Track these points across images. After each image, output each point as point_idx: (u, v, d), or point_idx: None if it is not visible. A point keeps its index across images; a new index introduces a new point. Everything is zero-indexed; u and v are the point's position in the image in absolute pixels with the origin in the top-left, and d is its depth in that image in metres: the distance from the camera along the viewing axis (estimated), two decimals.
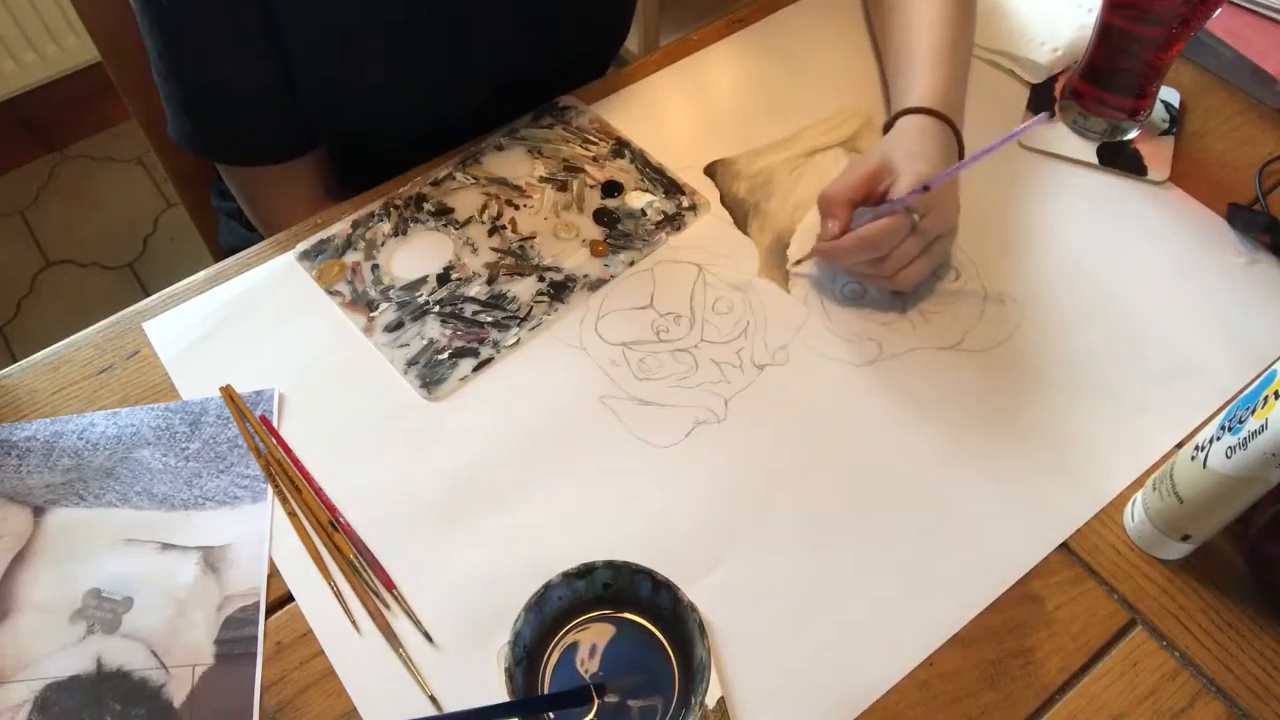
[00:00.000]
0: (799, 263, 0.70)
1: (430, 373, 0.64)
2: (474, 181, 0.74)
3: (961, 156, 0.70)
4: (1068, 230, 0.72)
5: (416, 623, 0.54)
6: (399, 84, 0.76)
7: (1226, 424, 0.49)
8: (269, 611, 0.55)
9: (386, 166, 0.76)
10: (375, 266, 0.70)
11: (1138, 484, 0.59)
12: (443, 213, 0.72)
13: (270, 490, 0.59)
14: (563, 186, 0.74)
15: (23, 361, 0.66)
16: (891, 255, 0.63)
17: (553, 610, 0.49)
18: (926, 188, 0.61)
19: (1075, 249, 0.71)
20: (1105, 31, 0.72)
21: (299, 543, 0.57)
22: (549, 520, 0.58)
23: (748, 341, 0.66)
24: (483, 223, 0.72)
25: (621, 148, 0.76)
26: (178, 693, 0.52)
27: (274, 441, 0.61)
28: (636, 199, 0.73)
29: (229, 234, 0.96)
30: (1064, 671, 0.53)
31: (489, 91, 0.79)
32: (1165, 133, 0.77)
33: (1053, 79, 0.81)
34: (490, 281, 0.69)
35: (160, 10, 0.66)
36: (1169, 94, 0.79)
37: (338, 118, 0.78)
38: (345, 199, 0.75)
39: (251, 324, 0.67)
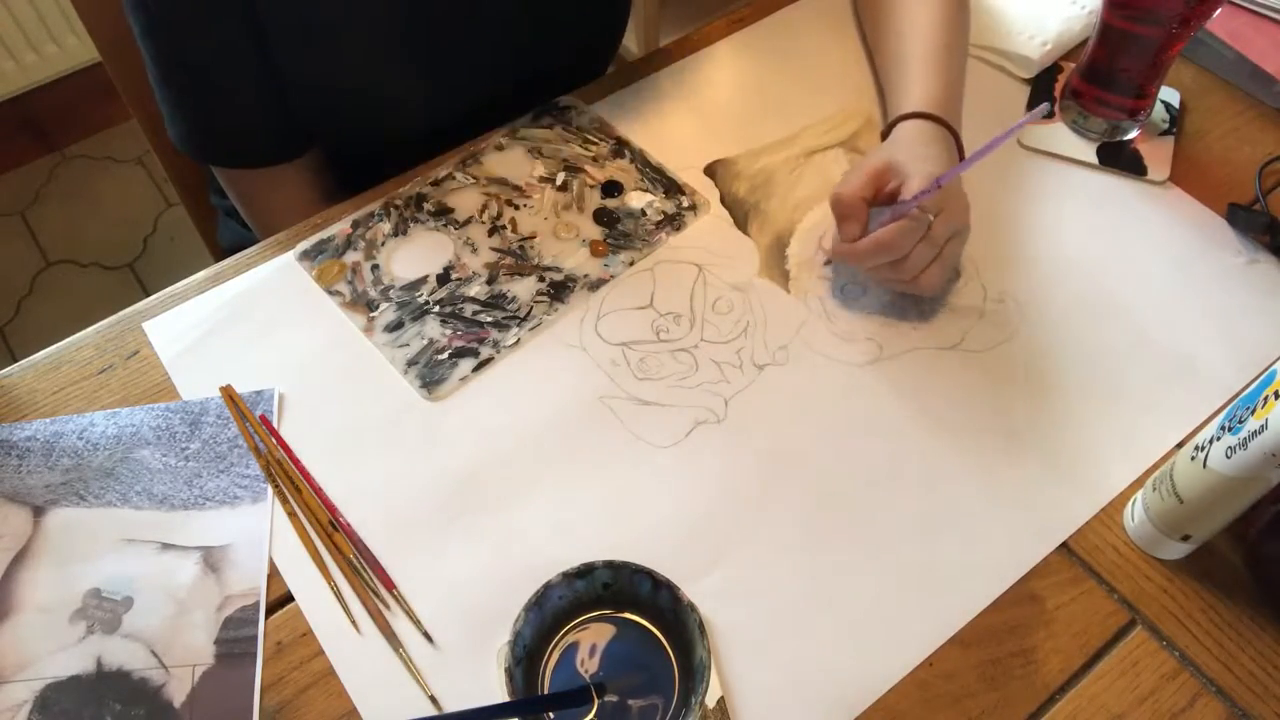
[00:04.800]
0: (827, 264, 0.70)
1: (430, 373, 0.64)
2: (474, 181, 0.74)
3: (962, 159, 0.70)
4: (1068, 230, 0.72)
5: (416, 623, 0.54)
6: (392, 84, 0.76)
7: (1226, 424, 0.49)
8: (269, 611, 0.55)
9: (387, 168, 0.76)
10: (375, 266, 0.70)
11: (1138, 484, 0.59)
12: (443, 213, 0.72)
13: (270, 490, 0.59)
14: (563, 186, 0.74)
15: (23, 361, 0.66)
16: (909, 258, 0.63)
17: (553, 610, 0.49)
18: (939, 185, 0.61)
19: (1075, 249, 0.71)
20: (1105, 31, 0.72)
21: (299, 543, 0.57)
22: (549, 520, 0.58)
23: (748, 341, 0.66)
24: (483, 223, 0.72)
25: (621, 148, 0.76)
26: (178, 693, 0.52)
27: (274, 441, 0.61)
28: (636, 199, 0.73)
29: (228, 232, 0.96)
30: (1064, 671, 0.53)
31: (488, 91, 0.79)
32: (1165, 133, 0.77)
33: (1053, 78, 0.81)
34: (490, 281, 0.69)
35: (150, 16, 0.67)
36: (1169, 94, 0.79)
37: (332, 119, 0.78)
38: (344, 200, 0.75)
39: (251, 324, 0.67)
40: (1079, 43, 0.83)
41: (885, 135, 0.70)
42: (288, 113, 0.75)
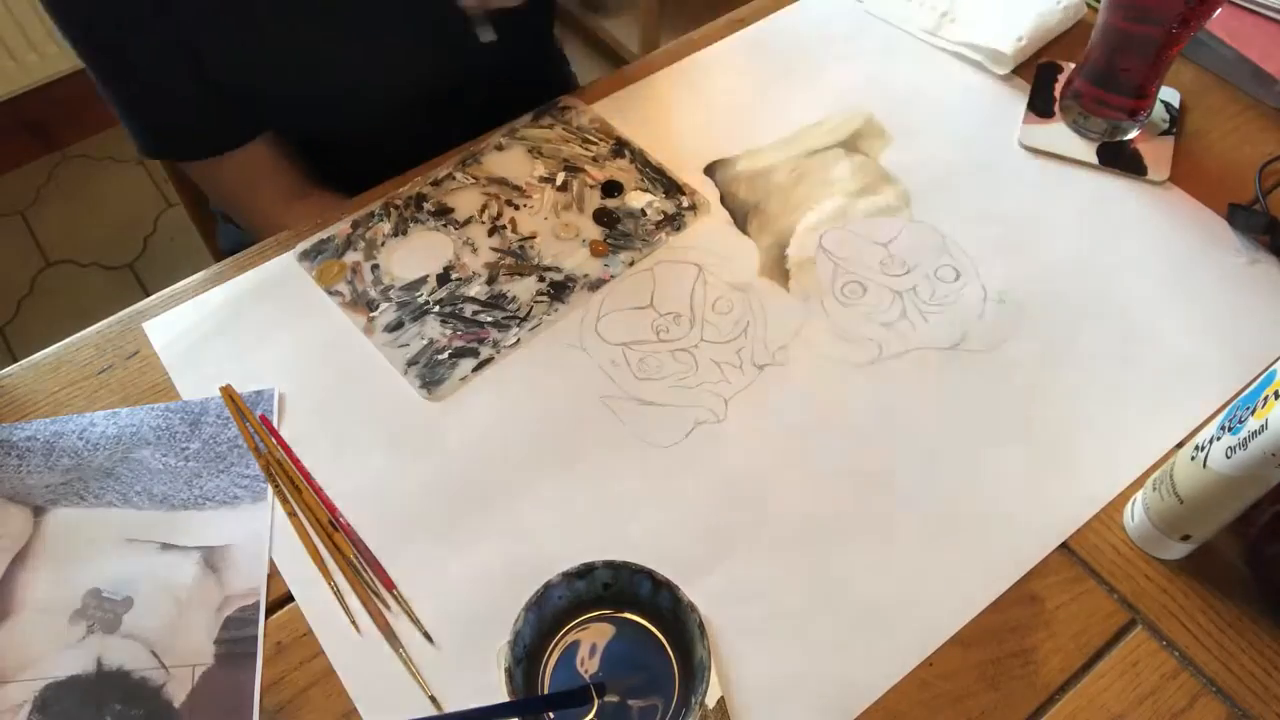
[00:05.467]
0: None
1: (430, 373, 0.64)
2: (474, 181, 0.74)
3: None
4: (1068, 230, 0.72)
5: (416, 623, 0.54)
6: (312, 49, 0.75)
7: (1226, 424, 0.49)
8: (269, 611, 0.55)
9: (362, 157, 0.76)
10: (375, 266, 0.70)
11: (1138, 484, 0.59)
12: (443, 213, 0.72)
13: (270, 490, 0.59)
14: (563, 186, 0.74)
15: (23, 361, 0.66)
16: None
17: (553, 610, 0.49)
18: None
19: (1075, 249, 0.71)
20: (1105, 31, 0.72)
21: (299, 543, 0.57)
22: (549, 520, 0.58)
23: (748, 341, 0.66)
24: (483, 223, 0.72)
25: (621, 148, 0.76)
26: (178, 693, 0.52)
27: (274, 441, 0.61)
28: (636, 199, 0.73)
29: (226, 237, 0.96)
30: (1064, 671, 0.53)
31: (429, 65, 0.79)
32: (1165, 133, 0.77)
33: (1054, 78, 0.81)
34: (490, 281, 0.69)
35: (77, 31, 0.69)
36: (1169, 94, 0.79)
37: (273, 98, 0.78)
38: (328, 189, 0.75)
39: (251, 324, 0.67)
40: (1054, 37, 0.84)
41: None
42: (224, 98, 0.76)
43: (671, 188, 0.74)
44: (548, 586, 0.48)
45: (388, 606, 0.55)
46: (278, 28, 0.72)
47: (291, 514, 0.58)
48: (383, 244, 0.71)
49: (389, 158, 0.76)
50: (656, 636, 0.50)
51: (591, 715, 0.47)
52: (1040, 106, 0.79)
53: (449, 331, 0.66)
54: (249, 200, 0.82)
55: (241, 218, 0.86)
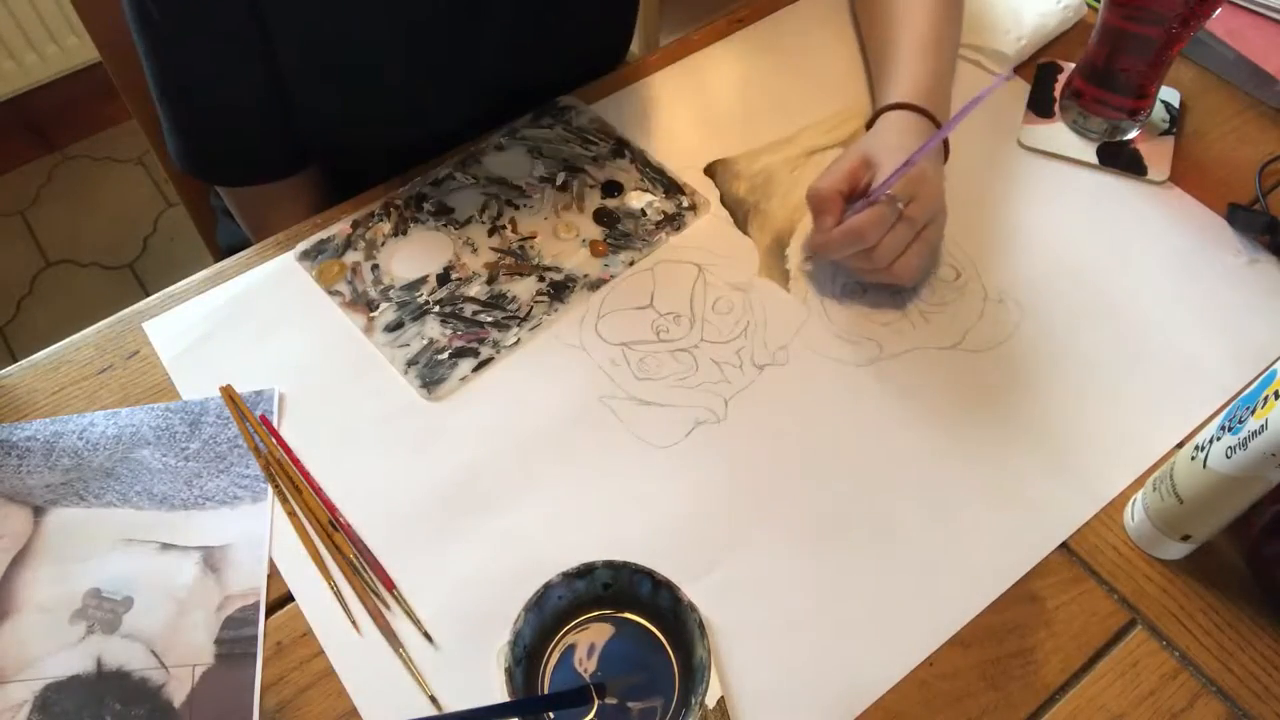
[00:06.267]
0: (808, 260, 0.70)
1: (430, 373, 0.64)
2: (474, 181, 0.74)
3: (946, 154, 0.70)
4: (1068, 230, 0.72)
5: (416, 623, 0.54)
6: (394, 96, 0.76)
7: (1226, 424, 0.49)
8: (269, 611, 0.55)
9: (390, 173, 0.76)
10: (375, 266, 0.70)
11: (1138, 484, 0.59)
12: (443, 213, 0.72)
13: (270, 490, 0.59)
14: (563, 186, 0.74)
15: (23, 361, 0.66)
16: (881, 245, 0.62)
17: (553, 610, 0.49)
18: (909, 164, 0.60)
19: (1075, 249, 0.71)
20: (1105, 31, 0.72)
21: (299, 543, 0.57)
22: (549, 520, 0.58)
23: (748, 341, 0.66)
24: (483, 223, 0.72)
25: (621, 148, 0.76)
26: (178, 693, 0.52)
27: (274, 441, 0.61)
28: (636, 199, 0.73)
29: (226, 233, 0.96)
30: (1064, 671, 0.53)
31: (492, 101, 0.79)
32: (1165, 133, 0.77)
33: (1054, 78, 0.81)
34: (490, 281, 0.69)
35: (157, 34, 0.66)
36: (1169, 94, 0.79)
37: (334, 132, 0.78)
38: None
39: (251, 324, 0.67)
40: (1055, 37, 0.84)
41: (869, 126, 0.70)
42: (288, 128, 0.75)
43: (671, 188, 0.74)
44: (548, 586, 0.48)
45: (388, 606, 0.55)
46: (366, 72, 0.71)
47: (291, 514, 0.58)
48: (383, 244, 0.71)
49: (403, 170, 0.75)
50: (656, 636, 0.50)
51: (591, 715, 0.47)
52: (1040, 106, 0.79)
53: (449, 331, 0.66)
54: (277, 224, 0.81)
55: (261, 237, 0.84)
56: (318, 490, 0.59)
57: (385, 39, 0.71)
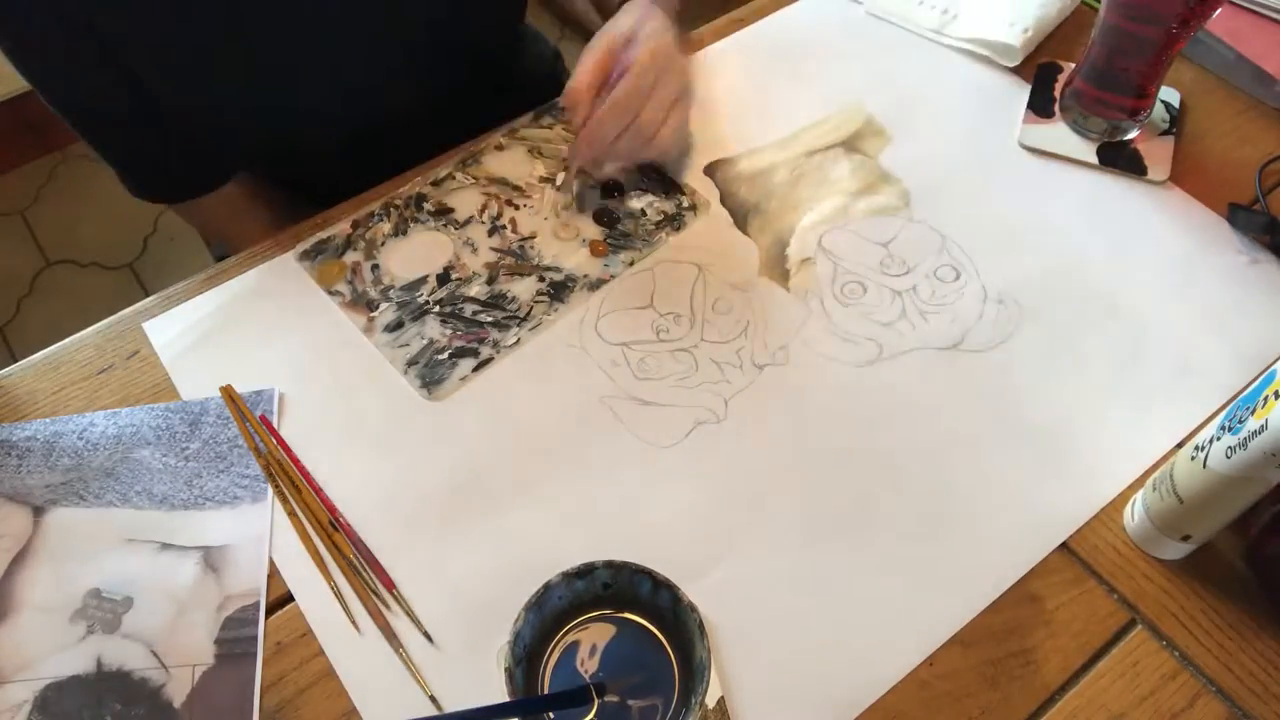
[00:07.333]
0: (577, 175, 0.72)
1: (430, 373, 0.64)
2: (474, 181, 0.74)
3: (693, 47, 0.73)
4: (1068, 230, 0.72)
5: (416, 623, 0.54)
6: (280, 85, 0.73)
7: (1226, 424, 0.49)
8: (269, 611, 0.55)
9: (363, 171, 0.75)
10: (375, 266, 0.70)
11: (1138, 484, 0.59)
12: (443, 213, 0.72)
13: (270, 490, 0.59)
14: (563, 186, 0.74)
15: (23, 361, 0.66)
16: (643, 116, 0.66)
17: (553, 610, 0.49)
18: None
19: (1075, 249, 0.71)
20: (1105, 31, 0.72)
21: (299, 543, 0.57)
22: (549, 520, 0.58)
23: (748, 341, 0.66)
24: (483, 223, 0.72)
25: None
26: (178, 693, 0.52)
27: (274, 441, 0.61)
28: (636, 199, 0.73)
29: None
30: (1064, 671, 0.53)
31: (406, 83, 0.79)
32: (1165, 133, 0.77)
33: (1054, 78, 0.81)
34: (490, 281, 0.69)
35: (32, 76, 0.70)
36: (1169, 94, 0.79)
37: (225, 136, 0.78)
38: (305, 216, 0.73)
39: (251, 324, 0.67)
40: (1058, 24, 0.84)
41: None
42: (190, 143, 0.76)
43: (671, 188, 0.74)
44: (548, 586, 0.48)
45: (388, 606, 0.55)
46: (229, 61, 0.69)
47: (291, 514, 0.58)
48: (383, 244, 0.71)
49: (363, 172, 0.75)
50: (656, 636, 0.50)
51: (591, 715, 0.47)
52: (1040, 106, 0.79)
53: (449, 331, 0.66)
54: (235, 234, 0.82)
55: (229, 249, 0.84)
56: (318, 490, 0.59)
57: (204, 36, 0.69)
